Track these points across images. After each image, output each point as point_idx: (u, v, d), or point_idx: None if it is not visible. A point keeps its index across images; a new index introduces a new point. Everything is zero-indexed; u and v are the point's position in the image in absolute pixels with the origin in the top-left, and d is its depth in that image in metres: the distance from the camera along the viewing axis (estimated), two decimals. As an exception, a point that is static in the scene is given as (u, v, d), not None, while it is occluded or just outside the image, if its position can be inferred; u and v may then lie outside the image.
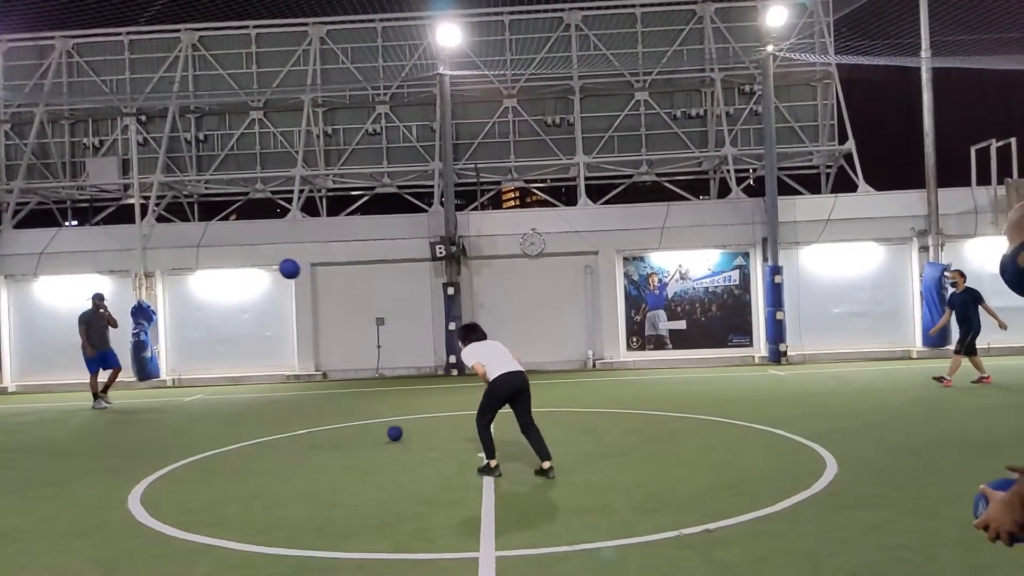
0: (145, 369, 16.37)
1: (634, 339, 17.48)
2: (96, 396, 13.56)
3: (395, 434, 9.04)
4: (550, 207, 19.96)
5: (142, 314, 16.41)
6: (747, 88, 19.41)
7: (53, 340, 17.25)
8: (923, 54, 16.65)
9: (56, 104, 19.60)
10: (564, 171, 20.23)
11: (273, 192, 20.73)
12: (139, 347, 16.22)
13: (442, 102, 17.92)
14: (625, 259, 17.54)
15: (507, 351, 7.35)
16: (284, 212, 19.79)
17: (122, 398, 14.03)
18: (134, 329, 16.16)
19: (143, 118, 19.68)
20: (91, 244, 17.84)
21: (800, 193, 19.11)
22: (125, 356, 15.24)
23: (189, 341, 17.68)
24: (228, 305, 17.80)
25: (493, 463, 7.13)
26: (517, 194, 44.93)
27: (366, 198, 20.80)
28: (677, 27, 19.31)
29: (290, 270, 9.89)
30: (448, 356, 17.00)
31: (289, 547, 5.28)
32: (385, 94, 19.67)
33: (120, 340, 15.04)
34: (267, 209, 21.86)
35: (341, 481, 7.31)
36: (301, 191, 19.00)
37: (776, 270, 16.60)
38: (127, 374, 15.37)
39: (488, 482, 6.90)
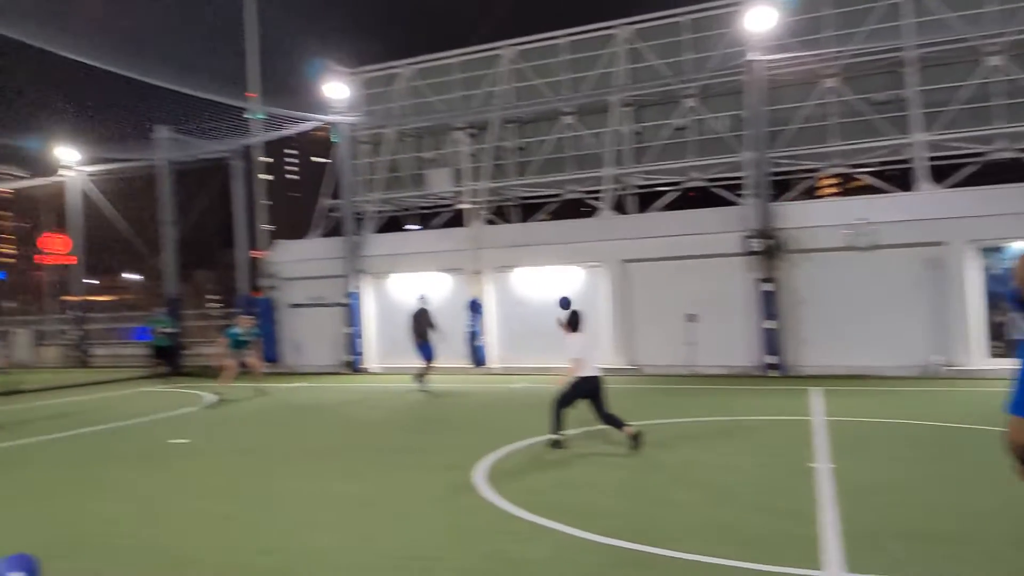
0: (477, 356, 18.61)
1: (997, 344, 14.88)
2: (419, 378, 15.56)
3: None
4: (880, 193, 17.90)
5: (474, 308, 18.63)
6: None
7: (401, 329, 20.02)
8: None
9: (404, 124, 22.66)
10: (895, 152, 17.98)
11: (585, 192, 21.60)
12: (472, 337, 18.41)
13: (753, 89, 17.05)
14: (983, 250, 15.04)
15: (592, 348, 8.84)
16: (593, 211, 20.50)
17: (458, 382, 15.77)
18: (469, 321, 18.39)
19: (473, 131, 21.87)
20: (432, 246, 20.33)
21: None
22: (461, 346, 17.51)
23: (512, 333, 19.23)
24: (544, 300, 18.94)
25: (557, 436, 8.79)
26: (836, 182, 41.08)
27: (676, 194, 20.65)
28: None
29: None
30: (765, 356, 16.18)
31: (618, 538, 5.43)
32: (693, 87, 19.33)
33: (455, 331, 17.05)
34: (577, 209, 22.87)
35: (662, 479, 7.34)
36: (612, 190, 19.52)
37: None
38: (463, 360, 17.47)
39: (827, 493, 6.42)
